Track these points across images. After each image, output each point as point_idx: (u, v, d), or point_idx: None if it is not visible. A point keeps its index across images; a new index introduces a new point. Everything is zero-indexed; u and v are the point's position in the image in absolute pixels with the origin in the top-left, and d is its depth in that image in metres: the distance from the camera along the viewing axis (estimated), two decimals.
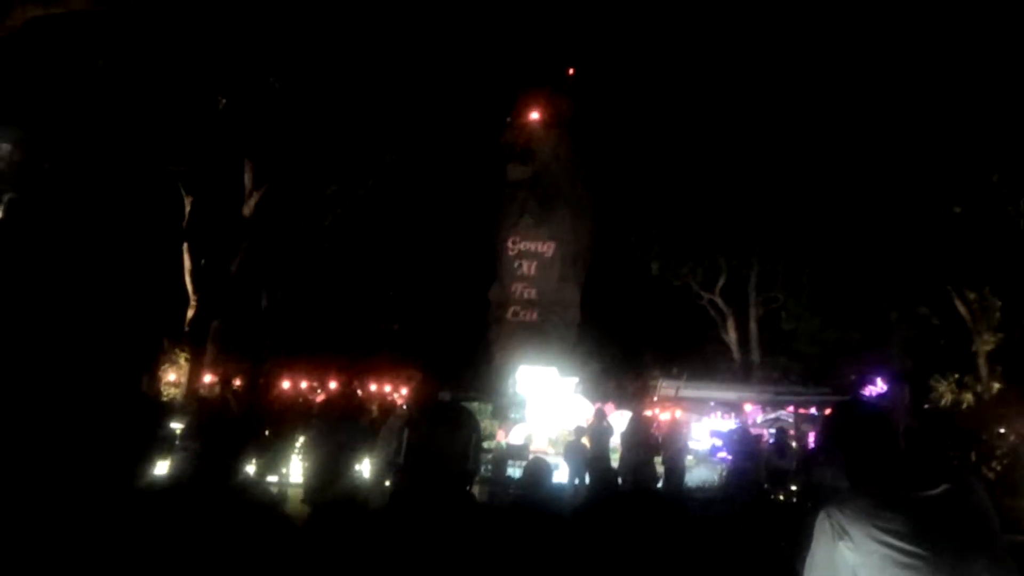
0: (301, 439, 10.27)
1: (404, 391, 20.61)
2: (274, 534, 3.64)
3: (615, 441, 13.03)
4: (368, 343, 29.49)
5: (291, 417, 11.14)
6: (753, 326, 29.88)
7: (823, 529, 2.23)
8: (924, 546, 2.08)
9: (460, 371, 23.65)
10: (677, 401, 22.90)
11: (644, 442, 11.86)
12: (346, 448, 7.81)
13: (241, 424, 8.89)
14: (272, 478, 10.17)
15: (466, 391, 20.62)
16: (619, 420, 14.68)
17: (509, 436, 17.51)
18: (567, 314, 29.23)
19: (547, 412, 19.44)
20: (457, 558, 4.68)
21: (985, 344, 21.17)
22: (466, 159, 29.51)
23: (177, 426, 10.17)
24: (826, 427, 2.78)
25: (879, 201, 21.83)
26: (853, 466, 2.41)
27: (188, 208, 20.65)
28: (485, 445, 12.31)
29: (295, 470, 10.52)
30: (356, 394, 12.18)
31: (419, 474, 6.01)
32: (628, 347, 31.12)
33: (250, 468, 8.98)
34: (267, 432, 10.26)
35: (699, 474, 16.41)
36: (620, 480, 11.58)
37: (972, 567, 2.07)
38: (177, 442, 7.47)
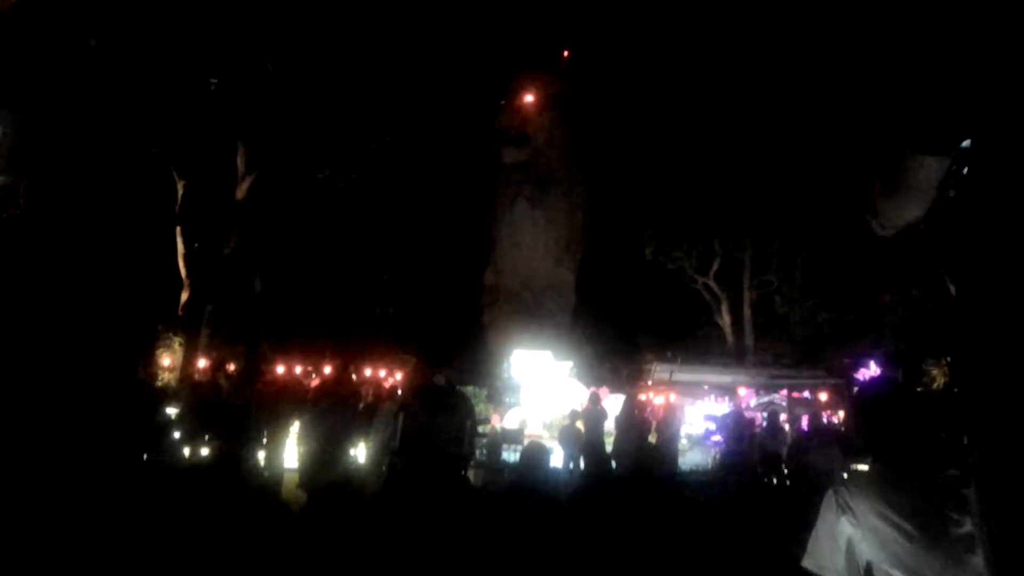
0: (296, 424, 10.27)
1: (399, 375, 20.62)
2: (271, 518, 3.65)
3: (609, 425, 13.08)
4: (363, 327, 29.45)
5: (286, 402, 11.13)
6: (747, 310, 29.91)
7: (829, 505, 2.40)
8: (919, 526, 2.19)
9: (455, 355, 23.65)
10: (671, 385, 22.95)
11: (638, 425, 11.91)
12: (341, 433, 7.82)
13: (236, 409, 8.89)
14: (268, 463, 10.18)
15: (461, 375, 20.62)
16: (613, 404, 14.72)
17: (504, 420, 17.56)
18: (561, 298, 29.28)
19: (542, 396, 19.50)
20: (452, 541, 4.70)
21: None
22: (460, 142, 29.40)
23: (172, 411, 10.18)
24: (860, 406, 2.85)
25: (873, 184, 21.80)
26: (868, 443, 2.54)
27: (181, 192, 20.53)
28: (480, 429, 12.35)
29: (291, 455, 10.53)
30: (351, 379, 12.18)
31: (414, 458, 6.03)
32: (622, 331, 31.18)
33: (246, 453, 8.98)
34: (262, 417, 10.26)
35: (693, 458, 16.50)
36: (614, 464, 11.65)
37: (964, 551, 2.13)
38: (172, 427, 7.48)
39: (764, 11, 23.51)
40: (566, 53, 32.16)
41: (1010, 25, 1.55)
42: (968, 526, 2.13)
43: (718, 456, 15.11)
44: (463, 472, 6.60)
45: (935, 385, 21.78)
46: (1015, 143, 1.56)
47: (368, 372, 20.47)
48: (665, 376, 24.44)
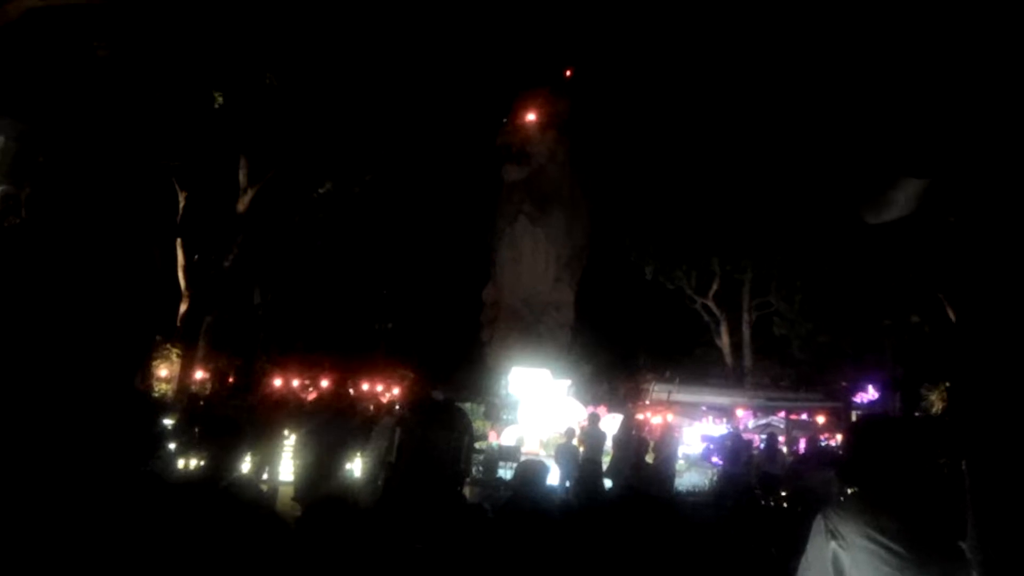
0: (292, 437, 10.24)
1: (397, 390, 20.57)
2: (264, 532, 3.63)
3: (608, 445, 13.04)
4: (361, 342, 29.47)
5: (283, 415, 11.12)
6: (746, 331, 29.92)
7: (818, 530, 2.39)
8: (909, 547, 2.21)
9: (453, 371, 23.54)
10: (669, 405, 22.92)
11: (635, 445, 11.87)
12: (337, 446, 7.80)
13: (232, 421, 8.85)
14: (263, 476, 10.14)
15: (459, 391, 20.56)
16: (611, 423, 14.67)
17: (501, 437, 17.50)
18: (561, 316, 29.24)
19: (539, 414, 19.43)
20: (446, 558, 4.67)
21: None
22: (462, 159, 29.51)
23: (168, 422, 10.14)
24: (855, 438, 2.86)
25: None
26: (855, 471, 2.56)
27: (182, 204, 20.59)
28: (477, 446, 12.30)
29: (286, 468, 10.49)
30: (348, 392, 12.17)
31: (410, 473, 6.00)
32: (621, 350, 31.17)
33: (241, 466, 8.93)
34: (258, 429, 10.23)
35: (690, 479, 16.40)
36: (611, 482, 11.60)
37: (957, 571, 2.15)
38: (168, 438, 7.44)
39: (766, 33, 23.65)
40: (568, 72, 32.32)
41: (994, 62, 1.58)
42: (961, 546, 2.14)
43: (715, 477, 15.04)
44: (459, 488, 6.57)
45: (934, 410, 21.74)
46: (1011, 172, 1.58)
47: (366, 386, 20.44)
48: (663, 396, 24.39)
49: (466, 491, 8.16)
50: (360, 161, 22.38)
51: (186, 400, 14.67)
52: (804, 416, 22.79)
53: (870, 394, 24.60)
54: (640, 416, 16.40)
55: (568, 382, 22.36)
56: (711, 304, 30.36)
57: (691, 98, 27.26)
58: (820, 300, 26.75)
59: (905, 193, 1.97)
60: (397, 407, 13.51)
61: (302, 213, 23.83)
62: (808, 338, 27.90)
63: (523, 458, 12.22)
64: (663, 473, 12.35)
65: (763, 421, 22.55)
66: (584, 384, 24.71)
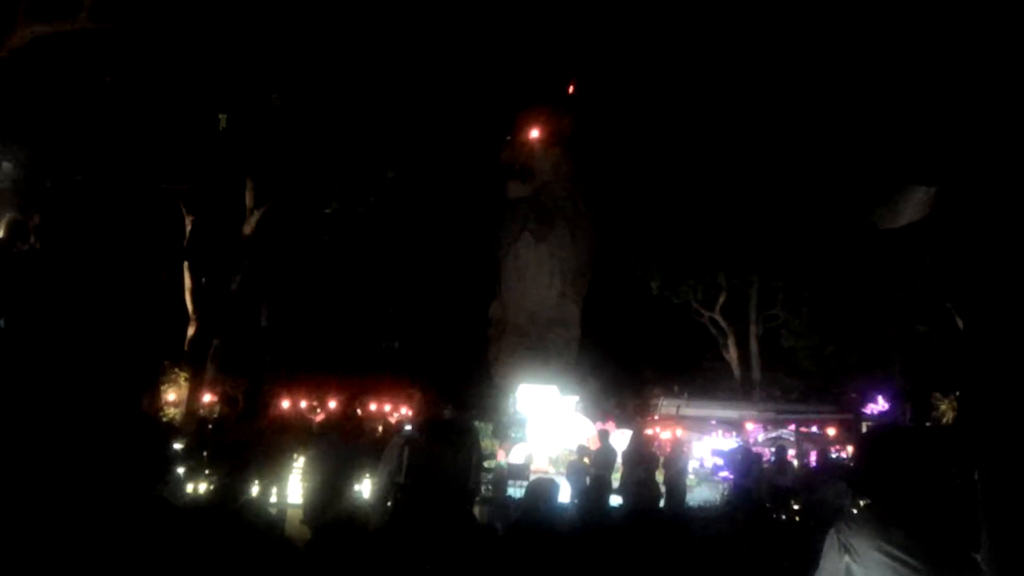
0: (300, 459, 10.21)
1: (404, 410, 20.53)
2: (274, 556, 3.62)
3: (618, 462, 12.99)
4: (368, 362, 29.48)
5: (290, 437, 11.10)
6: (754, 344, 29.81)
7: (831, 544, 2.44)
8: (922, 559, 2.21)
9: (460, 389, 23.51)
10: (678, 419, 22.84)
11: (645, 460, 11.81)
12: (345, 468, 7.78)
13: (240, 444, 8.85)
14: (271, 499, 10.11)
15: (466, 410, 20.46)
16: (620, 439, 14.60)
17: (509, 455, 17.41)
18: (567, 332, 29.21)
19: (548, 431, 19.33)
20: None
21: None
22: (466, 176, 29.59)
23: (177, 446, 10.14)
24: (867, 450, 2.86)
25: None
26: (867, 483, 2.59)
27: (189, 227, 20.69)
28: (485, 464, 12.24)
29: (294, 490, 10.46)
30: (356, 413, 12.14)
31: (420, 493, 5.97)
32: (628, 365, 31.08)
33: (250, 489, 8.92)
34: (266, 452, 10.22)
35: (700, 493, 16.29)
36: (621, 499, 11.53)
37: None
38: (177, 461, 7.44)
39: (770, 47, 23.72)
40: (571, 88, 32.43)
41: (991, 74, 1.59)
42: (975, 557, 2.13)
43: (726, 491, 14.95)
44: (469, 508, 6.54)
45: (944, 420, 21.60)
46: (1010, 183, 1.59)
47: (374, 406, 20.42)
48: (672, 410, 24.31)
49: (476, 510, 8.12)
50: (365, 180, 22.44)
51: (195, 424, 14.67)
52: (814, 428, 22.66)
53: (880, 405, 24.45)
54: (649, 431, 16.34)
55: (576, 398, 22.27)
56: (718, 317, 30.28)
57: (695, 111, 27.32)
58: (827, 311, 26.67)
59: (913, 201, 1.99)
60: (405, 426, 13.48)
61: (307, 234, 23.91)
62: (816, 349, 27.80)
63: (533, 476, 12.17)
64: (673, 488, 12.28)
65: (773, 434, 22.43)
66: (592, 400, 24.61)
